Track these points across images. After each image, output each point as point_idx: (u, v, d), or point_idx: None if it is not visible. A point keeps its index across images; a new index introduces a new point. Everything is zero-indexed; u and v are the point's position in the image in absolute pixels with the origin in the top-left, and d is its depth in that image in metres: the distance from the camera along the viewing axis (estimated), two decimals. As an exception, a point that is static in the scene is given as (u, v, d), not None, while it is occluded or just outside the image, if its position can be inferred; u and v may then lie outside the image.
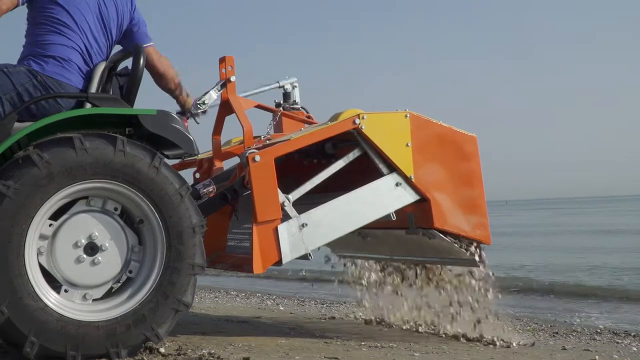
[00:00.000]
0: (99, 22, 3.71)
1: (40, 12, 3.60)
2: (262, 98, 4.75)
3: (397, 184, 4.05)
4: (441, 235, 4.26)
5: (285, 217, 3.82)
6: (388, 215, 4.08)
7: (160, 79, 4.11)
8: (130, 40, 3.87)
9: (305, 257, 3.90)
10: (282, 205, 3.80)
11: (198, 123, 4.39)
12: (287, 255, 3.78)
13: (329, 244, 5.17)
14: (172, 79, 4.14)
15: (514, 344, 4.46)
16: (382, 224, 4.23)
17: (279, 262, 3.78)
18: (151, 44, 4.00)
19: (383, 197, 4.04)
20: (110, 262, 3.37)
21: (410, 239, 4.51)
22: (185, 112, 4.29)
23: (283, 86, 4.80)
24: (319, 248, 4.10)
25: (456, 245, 4.28)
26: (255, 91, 4.70)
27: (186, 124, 3.98)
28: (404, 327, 5.05)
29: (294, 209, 3.84)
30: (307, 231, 3.83)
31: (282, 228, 3.77)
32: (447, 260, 4.55)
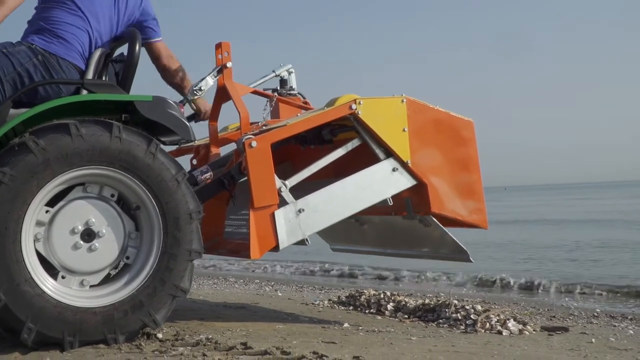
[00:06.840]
0: (114, 9, 3.71)
1: None
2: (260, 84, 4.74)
3: (393, 169, 4.05)
4: (437, 222, 4.27)
5: (282, 202, 3.82)
6: (385, 201, 4.09)
7: (166, 74, 4.15)
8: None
9: (302, 242, 3.91)
10: (279, 191, 3.80)
11: (194, 110, 4.40)
12: (284, 241, 3.78)
13: (323, 235, 5.17)
14: (178, 74, 4.16)
15: (511, 327, 4.47)
16: (379, 210, 4.22)
17: (276, 248, 3.78)
18: (160, 39, 4.00)
19: (379, 183, 4.04)
20: (107, 248, 3.37)
21: (405, 228, 4.50)
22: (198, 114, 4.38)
23: (279, 75, 4.79)
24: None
25: (450, 235, 4.28)
26: (253, 84, 4.70)
27: (182, 110, 3.97)
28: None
29: (290, 195, 3.84)
30: (304, 217, 3.84)
31: (279, 214, 3.77)
32: (440, 255, 4.55)
